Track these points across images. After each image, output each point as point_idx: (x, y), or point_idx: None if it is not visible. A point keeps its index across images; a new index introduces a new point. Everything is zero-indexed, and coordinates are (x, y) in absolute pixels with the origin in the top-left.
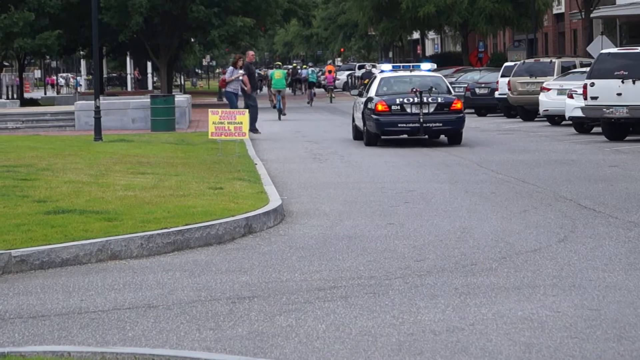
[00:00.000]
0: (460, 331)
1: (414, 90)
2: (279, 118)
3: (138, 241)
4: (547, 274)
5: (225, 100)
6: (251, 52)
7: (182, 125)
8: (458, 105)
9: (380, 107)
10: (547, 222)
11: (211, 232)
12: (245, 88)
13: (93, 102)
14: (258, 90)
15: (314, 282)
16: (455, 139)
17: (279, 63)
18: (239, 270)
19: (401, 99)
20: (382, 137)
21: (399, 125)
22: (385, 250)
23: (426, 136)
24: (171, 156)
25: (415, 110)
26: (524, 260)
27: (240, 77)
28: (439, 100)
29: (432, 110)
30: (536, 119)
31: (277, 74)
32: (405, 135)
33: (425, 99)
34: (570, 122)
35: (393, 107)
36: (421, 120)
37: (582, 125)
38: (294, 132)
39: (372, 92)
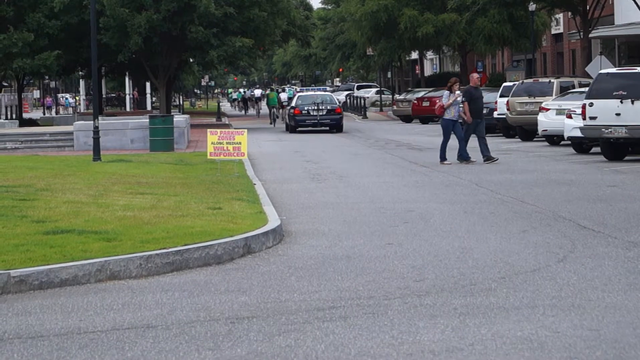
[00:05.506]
0: (459, 351)
1: (314, 102)
2: (274, 124)
3: (137, 261)
4: (547, 294)
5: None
6: (475, 75)
7: (181, 145)
8: (339, 110)
9: (296, 112)
10: (546, 242)
11: (210, 252)
12: (464, 117)
13: (92, 122)
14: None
15: (313, 302)
16: (338, 129)
17: (273, 87)
18: (237, 290)
19: (308, 107)
20: (297, 128)
21: (306, 121)
22: (384, 271)
23: (326, 128)
24: (170, 176)
25: (315, 113)
26: (523, 280)
27: (459, 99)
28: (328, 107)
29: (324, 113)
30: (535, 139)
31: (271, 95)
32: (310, 127)
33: (320, 107)
34: (569, 142)
35: (303, 112)
36: (318, 119)
37: (581, 145)
38: (293, 152)
39: (293, 103)
